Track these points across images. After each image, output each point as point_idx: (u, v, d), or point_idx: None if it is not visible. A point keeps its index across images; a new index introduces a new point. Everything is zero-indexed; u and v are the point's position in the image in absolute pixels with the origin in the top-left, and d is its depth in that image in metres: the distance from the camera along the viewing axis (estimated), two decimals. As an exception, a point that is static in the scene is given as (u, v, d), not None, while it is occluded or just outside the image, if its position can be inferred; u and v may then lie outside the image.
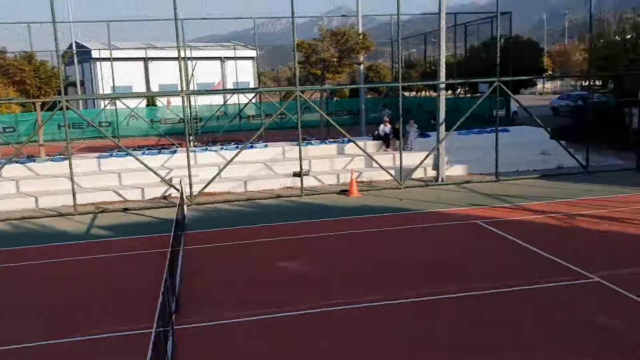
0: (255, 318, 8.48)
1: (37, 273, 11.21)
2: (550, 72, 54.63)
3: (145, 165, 16.96)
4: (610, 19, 26.09)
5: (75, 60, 36.40)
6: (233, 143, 22.20)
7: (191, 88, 33.32)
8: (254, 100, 34.07)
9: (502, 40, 27.18)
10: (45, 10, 15.38)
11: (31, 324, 8.74)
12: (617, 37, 25.35)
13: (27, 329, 8.56)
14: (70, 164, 15.97)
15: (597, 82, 30.73)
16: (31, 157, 19.32)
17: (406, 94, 40.32)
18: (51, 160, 18.70)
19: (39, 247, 12.92)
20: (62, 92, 16.67)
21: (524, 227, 12.87)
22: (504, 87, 18.52)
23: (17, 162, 18.00)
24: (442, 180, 18.27)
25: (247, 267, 10.99)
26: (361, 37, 21.64)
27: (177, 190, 16.46)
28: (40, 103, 20.59)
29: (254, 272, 10.66)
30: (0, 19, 26.42)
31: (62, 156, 19.56)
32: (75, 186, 15.93)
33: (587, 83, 26.41)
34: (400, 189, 17.61)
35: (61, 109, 16.04)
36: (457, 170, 19.47)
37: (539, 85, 66.83)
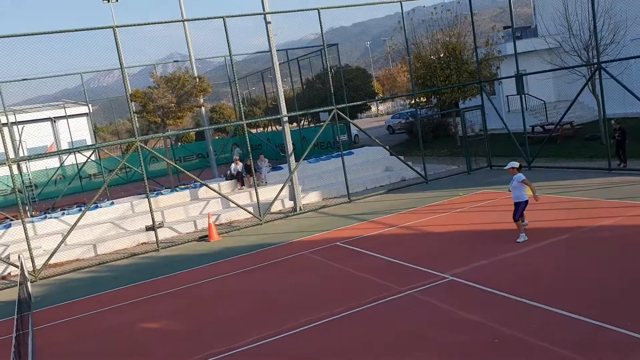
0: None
1: None
2: (381, 95, 58.89)
3: (-26, 246, 15.12)
4: (424, 41, 28.81)
5: None
6: (75, 206, 20.72)
7: (21, 154, 30.57)
8: (93, 158, 32.16)
9: (332, 70, 28.79)
10: None
11: None
12: (432, 57, 28.06)
13: None
14: None
15: (422, 99, 33.65)
16: None
17: (253, 130, 40.81)
18: None
19: None
20: None
21: (380, 240, 13.52)
22: (342, 114, 19.51)
23: None
24: (300, 209, 18.63)
25: (108, 335, 10.15)
26: (197, 80, 21.54)
27: (17, 267, 14.89)
28: None
29: (117, 339, 9.88)
30: None
31: None
32: None
33: (413, 101, 28.80)
34: (261, 224, 17.61)
35: None
36: (312, 197, 20.00)
37: (373, 108, 71.62)
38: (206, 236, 16.74)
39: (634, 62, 20.84)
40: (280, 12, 18.65)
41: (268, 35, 18.07)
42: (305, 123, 38.13)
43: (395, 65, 52.32)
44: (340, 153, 19.80)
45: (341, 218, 16.74)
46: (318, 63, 35.16)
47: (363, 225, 15.42)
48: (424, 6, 28.64)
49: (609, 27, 20.64)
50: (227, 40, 17.26)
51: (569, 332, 7.34)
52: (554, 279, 9.31)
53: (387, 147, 21.84)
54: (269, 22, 17.93)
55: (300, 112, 22.79)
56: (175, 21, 17.95)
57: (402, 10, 20.61)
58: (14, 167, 15.85)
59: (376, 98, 45.15)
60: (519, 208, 11.55)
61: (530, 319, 7.89)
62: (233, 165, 20.86)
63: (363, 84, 37.37)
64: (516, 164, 11.80)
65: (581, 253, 10.40)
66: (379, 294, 9.81)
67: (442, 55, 27.69)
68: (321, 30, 18.74)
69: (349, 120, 21.37)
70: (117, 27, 15.99)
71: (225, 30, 17.16)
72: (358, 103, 25.09)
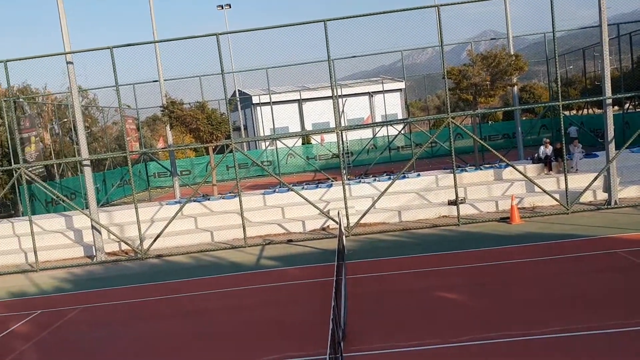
0: (422, 348, 8.48)
1: (217, 301, 12.32)
2: None
3: (306, 199, 17.90)
4: None
5: (239, 106, 39.84)
6: (385, 174, 22.54)
7: (343, 124, 34.58)
8: (403, 131, 34.34)
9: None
10: (213, 64, 17.24)
11: (218, 347, 9.63)
12: None
13: (217, 351, 9.46)
14: (240, 201, 17.44)
15: None
16: (206, 196, 21.39)
17: (566, 112, 37.83)
18: (223, 198, 20.53)
19: (217, 277, 14.20)
20: (231, 136, 18.38)
21: None
22: (684, 97, 16.68)
23: (194, 201, 20.05)
24: (615, 203, 16.75)
25: (407, 296, 11.03)
26: (513, 58, 20.93)
27: (336, 222, 17.13)
28: (213, 147, 22.83)
29: (415, 301, 10.67)
30: (178, 75, 29.99)
31: (232, 194, 21.40)
32: (244, 221, 17.31)
33: None
34: (567, 214, 16.49)
35: (231, 151, 17.64)
36: (632, 192, 17.75)
37: None
38: (507, 218, 16.47)
39: None
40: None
41: (600, 8, 16.40)
42: (630, 107, 33.63)
43: None
44: (676, 144, 17.03)
45: (669, 219, 14.52)
46: (655, 38, 30.39)
47: (699, 230, 13.10)
48: None
49: None
50: (552, 15, 16.32)
51: None
52: None
53: None
54: (602, -6, 16.24)
55: (628, 95, 20.21)
56: (498, -2, 17.72)
57: None
58: (339, 135, 18.06)
59: None
60: None
61: None
62: (542, 148, 19.84)
63: None
64: None
65: None
66: None
67: None
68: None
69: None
70: (440, 6, 16.61)
71: (551, 3, 16.23)
72: None
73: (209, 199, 20.55)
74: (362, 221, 17.65)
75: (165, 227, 17.58)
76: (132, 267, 16.48)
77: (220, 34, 17.06)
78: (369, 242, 16.21)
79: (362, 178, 22.38)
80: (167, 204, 20.39)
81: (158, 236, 17.53)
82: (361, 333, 9.30)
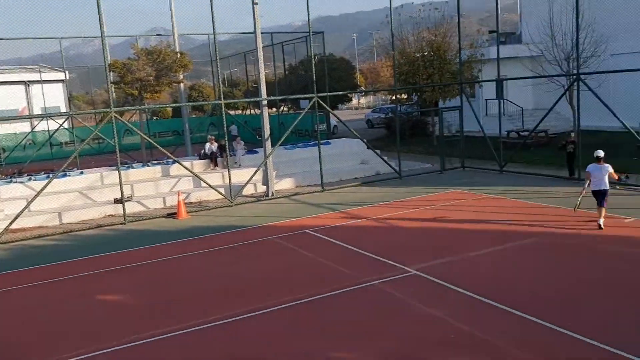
0: (82, 357, 7.73)
1: None
2: (363, 88, 58.93)
3: None
4: (410, 38, 28.84)
5: None
6: (43, 173, 20.27)
7: (-10, 115, 29.75)
8: (66, 125, 31.51)
9: (316, 58, 28.64)
10: None
11: None
12: (416, 54, 28.12)
13: None
14: None
15: (403, 96, 33.77)
16: None
17: (232, 112, 40.44)
18: None
19: None
20: None
21: (349, 231, 13.58)
22: (322, 103, 19.46)
23: None
24: (272, 195, 18.56)
25: (63, 305, 10.01)
26: (178, 55, 21.22)
27: (-24, 229, 14.54)
28: None
29: (70, 310, 9.74)
30: None
31: None
32: None
33: (394, 97, 28.87)
34: (231, 206, 17.50)
35: None
36: (286, 184, 19.94)
37: (354, 101, 71.66)
38: (174, 213, 16.56)
39: (612, 77, 21.17)
40: (268, -6, 18.43)
41: (254, 17, 17.87)
42: (284, 109, 37.98)
43: (379, 60, 52.40)
44: (317, 142, 19.77)
45: (313, 206, 16.74)
46: (303, 50, 34.96)
47: (334, 215, 15.44)
48: (412, 2, 28.65)
49: (591, 40, 20.98)
50: (212, 18, 17.01)
51: (522, 332, 7.48)
52: (514, 280, 9.47)
53: (365, 140, 21.89)
54: (256, 3, 17.72)
55: (280, 97, 22.70)
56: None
57: (390, 5, 20.58)
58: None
59: (358, 90, 45.16)
60: (607, 195, 12.08)
61: (489, 318, 8.02)
62: (207, 144, 20.67)
63: (346, 74, 37.30)
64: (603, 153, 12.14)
65: (541, 257, 10.60)
66: (342, 283, 9.86)
67: (426, 53, 27.76)
68: (308, 16, 18.59)
69: (329, 109, 21.34)
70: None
71: (211, 6, 16.91)
72: (339, 93, 25.10)
73: None
74: (13, 226, 15.42)
75: None
76: None
77: None
78: (21, 249, 14.25)
79: (15, 177, 19.69)
80: None
81: None
82: (7, 353, 7.98)
